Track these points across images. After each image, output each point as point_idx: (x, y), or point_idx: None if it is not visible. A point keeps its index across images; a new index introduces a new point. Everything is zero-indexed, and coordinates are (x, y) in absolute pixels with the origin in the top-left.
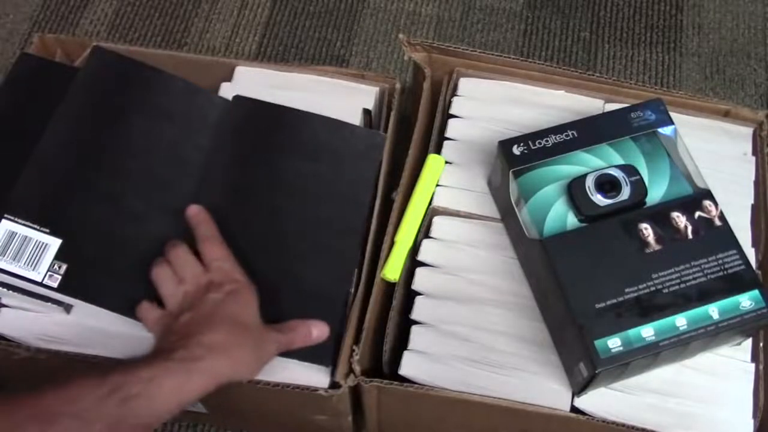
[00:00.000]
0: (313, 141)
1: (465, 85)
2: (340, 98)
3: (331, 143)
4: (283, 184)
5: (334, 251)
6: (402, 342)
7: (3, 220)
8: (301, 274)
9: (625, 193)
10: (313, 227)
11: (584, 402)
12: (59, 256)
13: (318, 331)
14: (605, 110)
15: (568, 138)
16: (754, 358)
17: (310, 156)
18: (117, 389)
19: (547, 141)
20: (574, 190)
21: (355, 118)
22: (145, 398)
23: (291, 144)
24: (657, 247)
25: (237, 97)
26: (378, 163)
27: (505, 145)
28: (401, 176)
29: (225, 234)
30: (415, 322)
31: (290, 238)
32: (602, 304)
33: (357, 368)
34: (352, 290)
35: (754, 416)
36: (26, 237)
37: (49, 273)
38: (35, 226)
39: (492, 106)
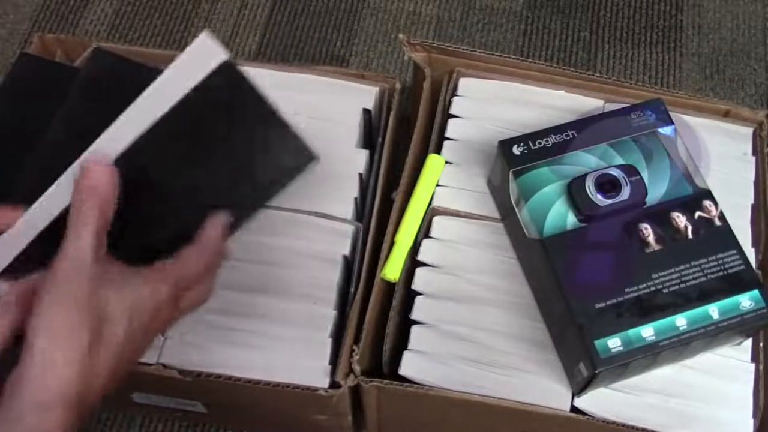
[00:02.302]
0: None
1: (465, 85)
2: (340, 98)
3: None
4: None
5: None
6: (402, 342)
7: None
8: None
9: (625, 193)
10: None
11: (584, 402)
12: None
13: (216, 226)
14: (605, 110)
15: (568, 138)
16: (754, 358)
17: None
18: None
19: (547, 141)
20: (574, 190)
21: (355, 118)
22: None
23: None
24: (657, 247)
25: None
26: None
27: (505, 145)
28: (401, 176)
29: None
30: (415, 322)
31: None
32: (602, 304)
33: (357, 368)
34: (353, 290)
35: (754, 416)
36: None
37: None
38: None
39: (492, 106)
